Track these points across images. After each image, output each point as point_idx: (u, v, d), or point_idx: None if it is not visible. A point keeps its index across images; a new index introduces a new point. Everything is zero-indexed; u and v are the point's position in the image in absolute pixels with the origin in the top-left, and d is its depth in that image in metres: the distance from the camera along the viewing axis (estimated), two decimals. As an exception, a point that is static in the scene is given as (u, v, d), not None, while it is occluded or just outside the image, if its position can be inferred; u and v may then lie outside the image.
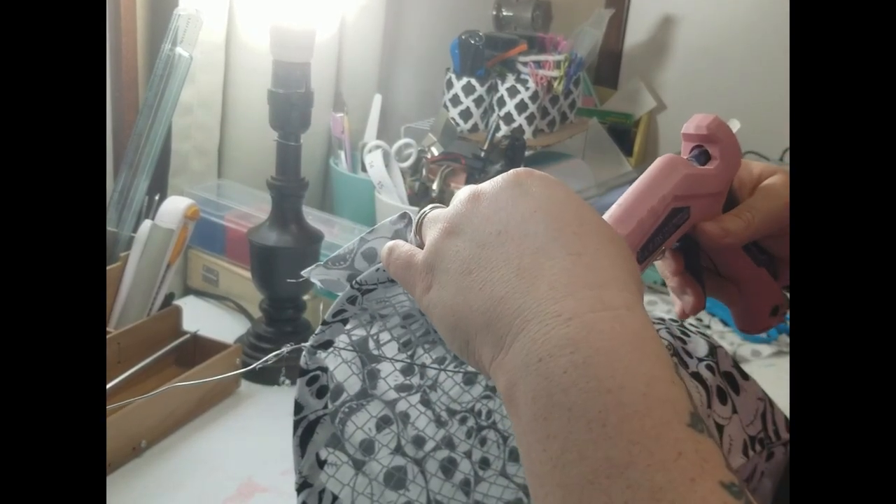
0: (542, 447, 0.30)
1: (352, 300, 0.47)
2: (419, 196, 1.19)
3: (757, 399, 0.46)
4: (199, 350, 0.90)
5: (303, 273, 0.48)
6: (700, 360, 0.44)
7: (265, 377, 0.91)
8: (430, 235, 0.38)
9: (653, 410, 0.29)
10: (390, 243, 0.42)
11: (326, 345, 0.50)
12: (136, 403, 0.76)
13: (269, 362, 0.49)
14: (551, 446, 0.30)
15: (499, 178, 0.38)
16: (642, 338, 0.31)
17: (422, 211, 0.41)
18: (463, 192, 0.38)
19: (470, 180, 1.18)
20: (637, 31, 1.84)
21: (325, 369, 0.51)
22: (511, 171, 0.38)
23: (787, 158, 1.64)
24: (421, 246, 0.40)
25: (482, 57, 1.39)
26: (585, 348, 0.30)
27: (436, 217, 0.39)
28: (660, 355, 0.31)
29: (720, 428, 0.42)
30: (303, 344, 0.50)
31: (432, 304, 0.37)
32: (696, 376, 0.42)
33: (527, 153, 1.34)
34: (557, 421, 0.30)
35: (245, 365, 0.91)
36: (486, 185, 0.38)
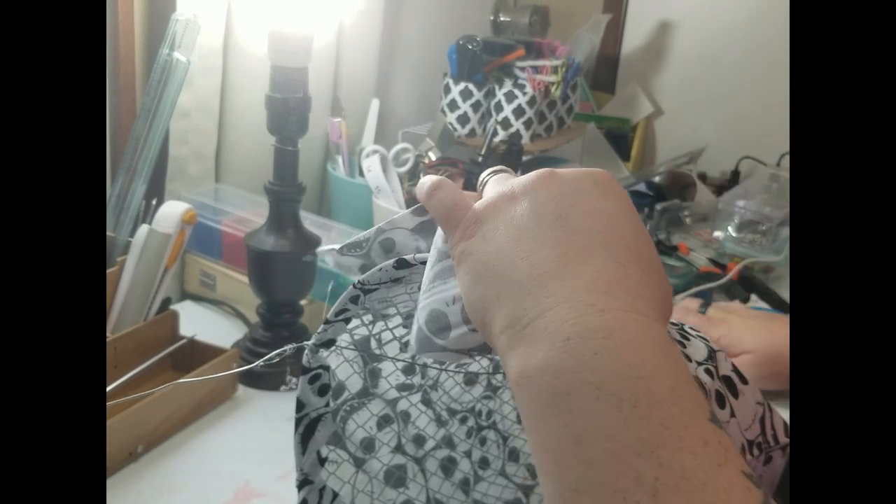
0: (563, 422, 0.30)
1: (354, 300, 0.47)
2: (416, 201, 1.19)
3: (756, 403, 0.46)
4: (195, 355, 0.90)
5: (317, 251, 0.48)
6: (699, 363, 0.44)
7: (263, 382, 0.91)
8: (493, 192, 0.39)
9: (680, 402, 0.30)
10: (439, 178, 0.42)
11: (329, 343, 0.51)
12: (132, 408, 0.76)
13: (274, 360, 0.50)
14: (574, 421, 0.30)
15: (580, 169, 0.38)
16: (669, 345, 0.32)
17: (491, 169, 0.42)
18: (541, 170, 0.39)
19: (468, 185, 1.18)
20: (634, 37, 1.85)
21: (327, 368, 0.51)
22: (595, 169, 0.39)
23: (784, 163, 1.64)
24: None
25: (480, 62, 1.39)
26: (618, 337, 0.31)
27: (505, 179, 0.40)
28: (683, 363, 0.32)
29: None
30: (305, 342, 0.50)
31: (468, 251, 0.37)
32: (696, 380, 0.42)
33: (524, 158, 1.34)
34: (583, 398, 0.30)
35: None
36: (566, 171, 0.38)
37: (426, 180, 0.42)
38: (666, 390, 0.30)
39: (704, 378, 0.43)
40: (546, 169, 0.39)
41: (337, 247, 0.47)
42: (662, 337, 0.33)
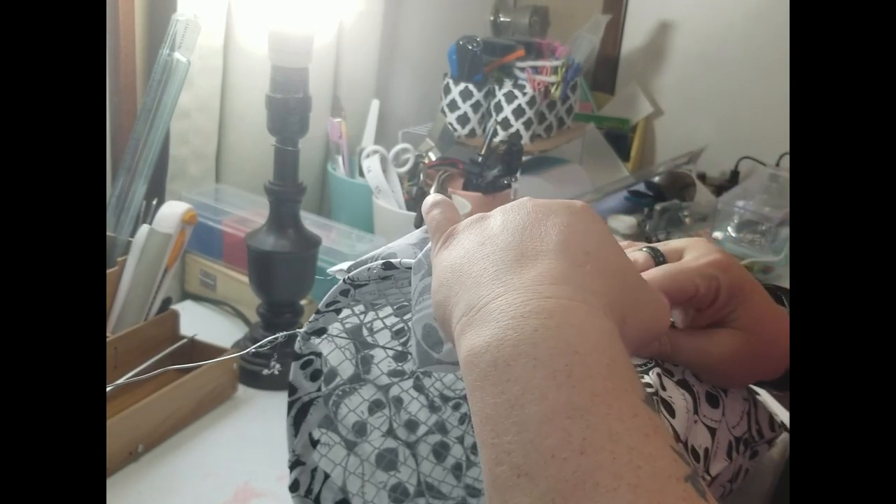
0: (500, 390, 0.32)
1: (344, 293, 0.48)
2: (416, 201, 1.19)
3: (742, 399, 0.46)
4: (196, 354, 0.90)
5: (329, 271, 0.50)
6: None
7: (263, 382, 0.91)
8: (479, 213, 0.41)
9: (614, 378, 0.31)
10: (441, 197, 0.44)
11: (320, 332, 0.52)
12: (132, 408, 0.76)
13: (266, 347, 0.51)
14: (510, 388, 0.31)
15: (561, 200, 0.40)
16: (611, 333, 0.34)
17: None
18: (523, 198, 0.41)
19: (467, 185, 1.18)
20: (634, 37, 1.85)
21: (318, 354, 0.53)
22: (575, 200, 0.40)
23: (783, 163, 1.65)
24: None
25: (480, 62, 1.39)
26: (559, 319, 0.33)
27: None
28: (622, 350, 0.33)
29: (712, 431, 0.42)
30: (297, 330, 0.52)
31: (441, 259, 0.40)
32: (683, 383, 0.42)
33: (524, 158, 1.34)
34: (521, 368, 0.31)
35: (242, 370, 0.91)
36: (545, 199, 0.40)
37: (429, 198, 0.45)
38: (601, 366, 0.31)
39: (692, 380, 0.43)
40: (527, 197, 0.41)
41: (346, 266, 0.48)
42: (606, 327, 0.34)
